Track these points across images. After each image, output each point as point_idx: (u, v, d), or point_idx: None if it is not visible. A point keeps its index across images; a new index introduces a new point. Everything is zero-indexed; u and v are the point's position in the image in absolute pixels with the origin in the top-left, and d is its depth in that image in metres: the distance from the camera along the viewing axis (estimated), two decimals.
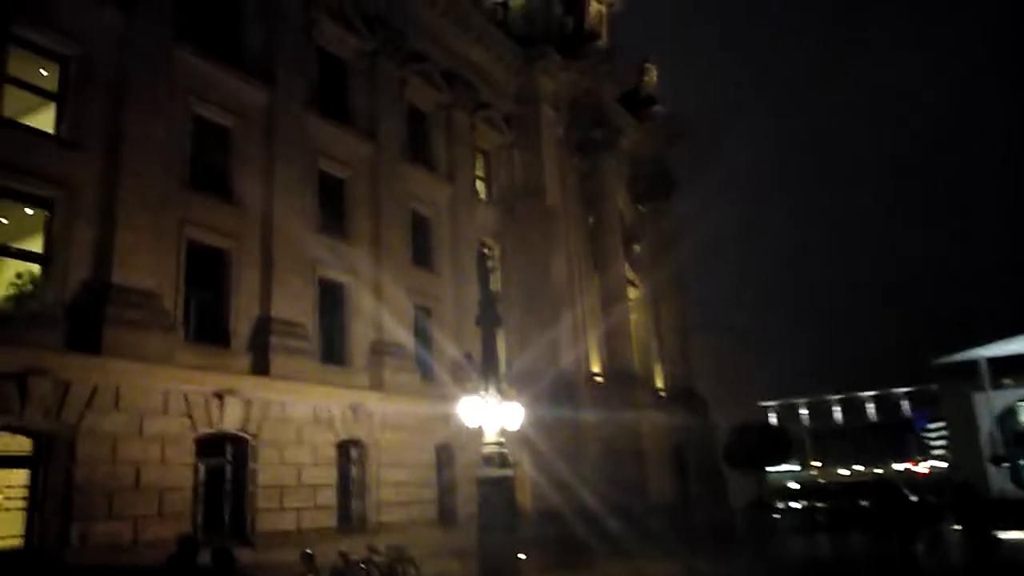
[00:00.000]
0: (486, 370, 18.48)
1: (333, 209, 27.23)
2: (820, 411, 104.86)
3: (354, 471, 24.90)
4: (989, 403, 77.57)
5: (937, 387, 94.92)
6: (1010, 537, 28.70)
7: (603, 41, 43.46)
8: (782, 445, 50.99)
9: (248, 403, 20.98)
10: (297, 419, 22.37)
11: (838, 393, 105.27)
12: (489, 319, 19.63)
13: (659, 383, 44.73)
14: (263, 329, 22.59)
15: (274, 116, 24.77)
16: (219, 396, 20.13)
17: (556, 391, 34.35)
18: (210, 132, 23.11)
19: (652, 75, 49.13)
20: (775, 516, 48.30)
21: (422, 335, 29.60)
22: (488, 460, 17.43)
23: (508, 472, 17.54)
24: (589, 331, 38.66)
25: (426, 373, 28.83)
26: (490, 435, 17.70)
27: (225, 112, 23.51)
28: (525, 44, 38.93)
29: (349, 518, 24.12)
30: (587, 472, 33.48)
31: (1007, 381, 79.45)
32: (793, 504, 61.46)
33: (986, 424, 77.64)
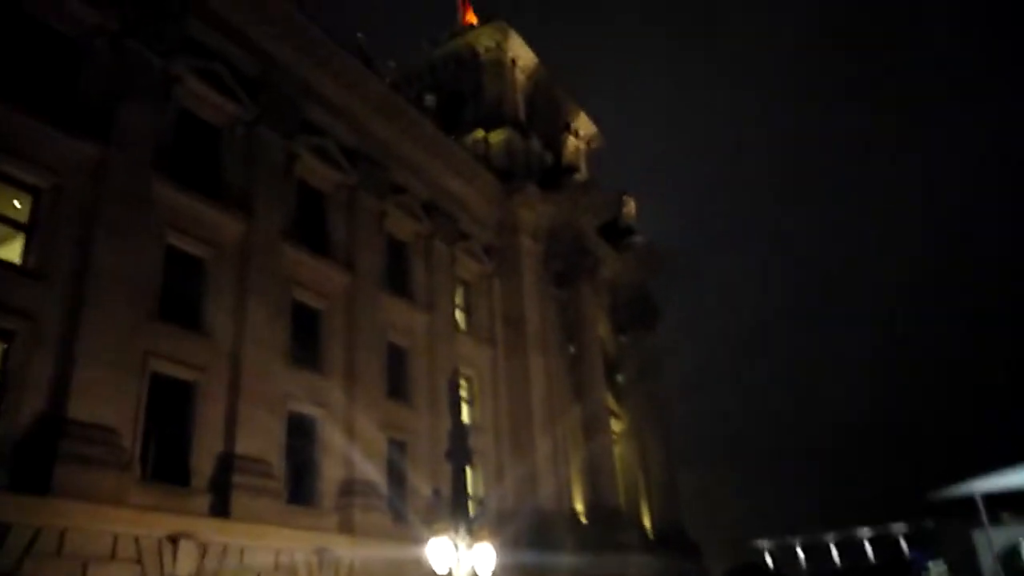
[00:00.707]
0: (456, 509, 17.77)
1: (307, 340, 26.92)
2: (817, 552, 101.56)
3: None
4: (989, 541, 75.56)
5: (934, 523, 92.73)
6: None
7: (581, 174, 44.83)
8: None
9: (204, 548, 19.87)
10: (257, 566, 21.17)
11: (834, 530, 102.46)
12: (459, 454, 19.06)
13: (646, 522, 43.27)
14: (226, 467, 21.75)
15: (250, 247, 24.86)
16: (173, 540, 19.09)
17: (535, 531, 33.07)
18: (182, 262, 23.10)
19: (631, 206, 50.38)
20: None
21: (395, 471, 28.65)
22: None
23: None
24: (570, 464, 37.73)
25: (398, 513, 27.68)
26: None
27: (199, 243, 23.59)
28: (506, 177, 40.00)
29: None
30: None
31: (1005, 515, 77.77)
32: None
33: (988, 564, 75.35)
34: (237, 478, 21.61)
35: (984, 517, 76.69)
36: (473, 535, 17.69)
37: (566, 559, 33.36)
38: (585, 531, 35.60)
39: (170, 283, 22.42)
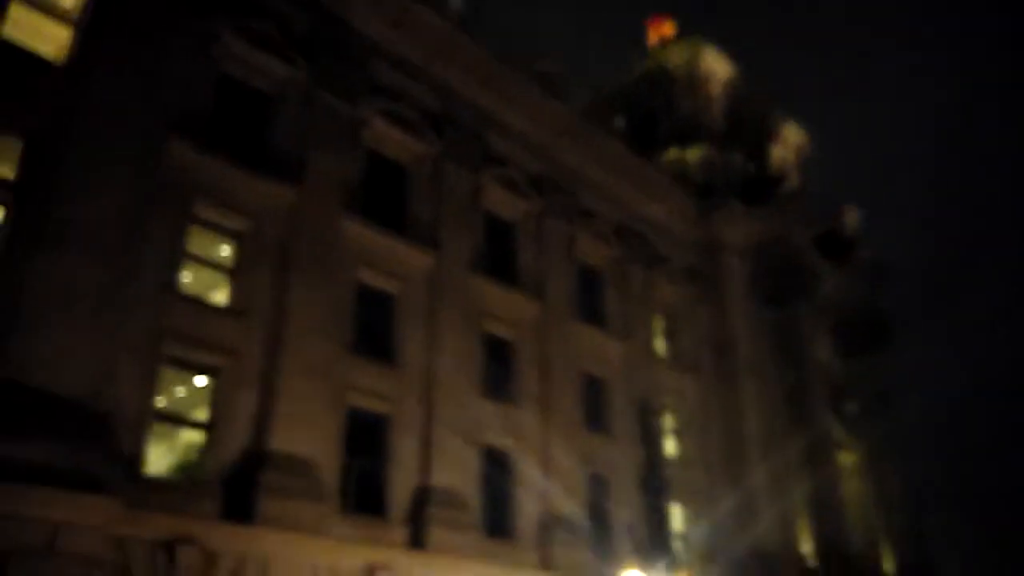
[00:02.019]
0: (652, 544, 16.91)
1: (499, 371, 27.15)
2: None
3: None
4: None
5: None
6: None
7: (789, 184, 42.22)
8: None
9: None
10: None
11: None
12: (654, 484, 18.16)
13: (886, 566, 39.15)
14: (422, 499, 22.20)
15: (438, 280, 25.55)
16: (371, 571, 19.61)
17: (753, 573, 30.81)
18: (373, 298, 24.14)
19: (853, 216, 46.71)
20: None
21: (596, 506, 27.91)
22: None
23: None
24: (794, 502, 34.96)
25: (602, 549, 26.88)
26: None
27: (389, 277, 24.58)
28: (705, 194, 38.53)
29: None
30: None
31: None
32: None
33: None
34: (432, 510, 21.97)
35: None
36: (672, 572, 16.77)
37: None
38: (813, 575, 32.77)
39: (363, 318, 23.49)
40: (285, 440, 19.56)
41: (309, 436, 20.11)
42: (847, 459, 40.59)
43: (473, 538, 22.75)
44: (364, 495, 21.58)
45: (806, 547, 34.39)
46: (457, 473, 23.41)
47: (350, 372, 22.26)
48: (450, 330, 25.10)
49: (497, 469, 25.45)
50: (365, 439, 22.29)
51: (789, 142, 47.92)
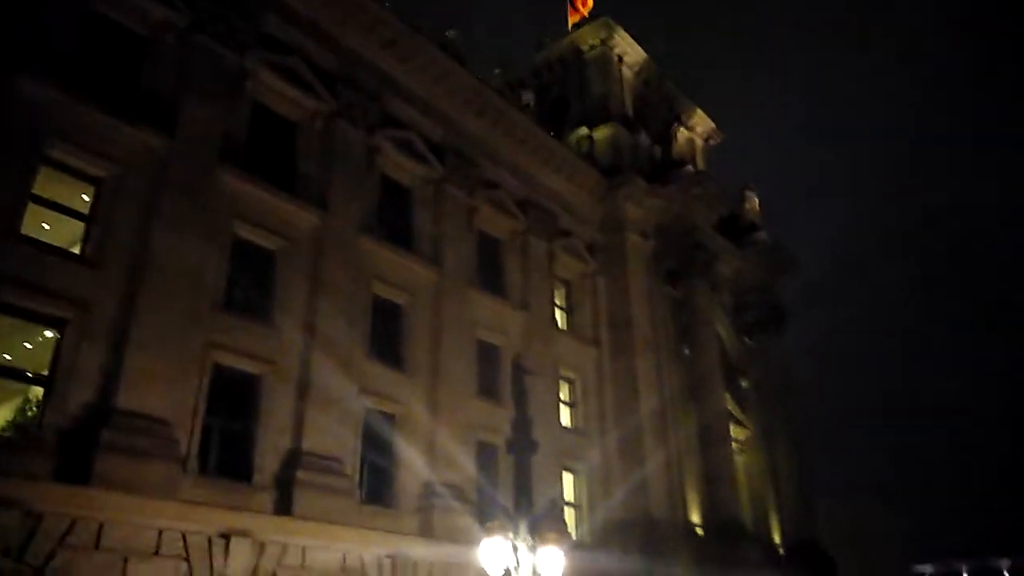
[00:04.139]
0: (518, 506, 15.46)
1: (388, 335, 25.28)
2: None
3: None
4: None
5: None
6: None
7: (694, 167, 41.22)
8: None
9: (261, 547, 18.30)
10: (321, 567, 19.41)
11: (1010, 556, 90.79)
12: (523, 445, 16.69)
13: (775, 537, 38.70)
14: (292, 463, 20.24)
15: (325, 240, 23.52)
16: (225, 537, 17.58)
17: (646, 541, 29.73)
18: (252, 255, 22.03)
19: (754, 202, 46.13)
20: None
21: (486, 473, 26.33)
22: None
23: None
24: (686, 473, 34.08)
25: (488, 516, 25.29)
26: None
27: (270, 235, 22.44)
28: (611, 173, 37.16)
29: None
30: None
31: None
32: None
33: None
34: (302, 475, 20.04)
35: None
36: (539, 537, 15.32)
37: (680, 572, 29.84)
38: (702, 544, 31.88)
39: (239, 275, 21.41)
40: (135, 398, 17.37)
41: (164, 395, 17.93)
42: (741, 434, 40.01)
43: (347, 504, 20.86)
44: (227, 458, 19.53)
45: (695, 517, 33.52)
46: (334, 437, 21.47)
47: (218, 331, 20.08)
48: (336, 292, 23.12)
49: (380, 435, 23.58)
50: (234, 400, 20.23)
51: (696, 128, 47.02)
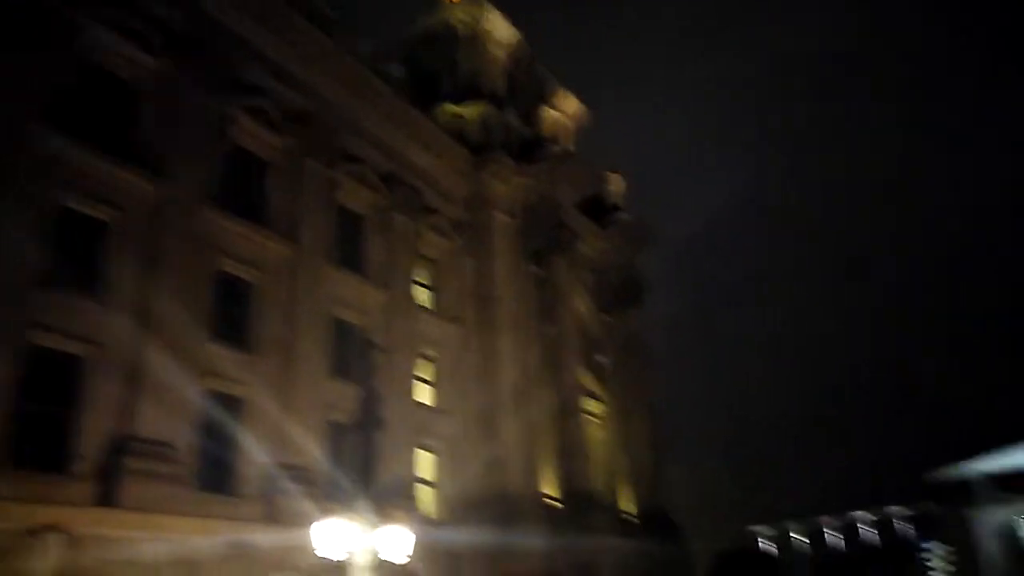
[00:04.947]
0: (361, 486, 14.72)
1: (236, 313, 23.62)
2: (817, 536, 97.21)
3: None
4: (988, 521, 71.46)
5: (934, 505, 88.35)
6: None
7: (561, 148, 41.05)
8: (770, 572, 45.38)
9: (78, 543, 16.61)
10: (148, 561, 17.86)
11: (835, 515, 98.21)
12: (368, 422, 15.92)
13: (628, 506, 39.67)
14: (119, 450, 18.50)
15: (164, 212, 21.56)
16: (32, 533, 15.80)
17: (503, 516, 29.61)
18: (80, 227, 19.86)
19: (617, 184, 46.57)
20: None
21: (342, 456, 25.23)
22: None
23: None
24: (542, 448, 34.20)
25: (343, 502, 24.26)
26: (360, 569, 13.90)
27: (100, 204, 20.32)
28: (479, 151, 36.36)
29: None
30: None
31: (1004, 496, 73.49)
32: None
33: (987, 543, 71.18)
34: (130, 462, 18.38)
35: (984, 499, 72.59)
36: (385, 516, 14.62)
37: (536, 542, 29.92)
38: (557, 515, 32.11)
39: (63, 246, 19.23)
40: None
41: None
42: (598, 408, 40.58)
43: (181, 492, 19.38)
44: (42, 447, 17.60)
45: (551, 489, 33.73)
46: (169, 421, 19.82)
47: (37, 310, 18.00)
48: (175, 267, 21.31)
49: (224, 418, 22.01)
50: (53, 384, 18.23)
51: (565, 110, 46.87)
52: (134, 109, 22.16)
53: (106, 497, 17.78)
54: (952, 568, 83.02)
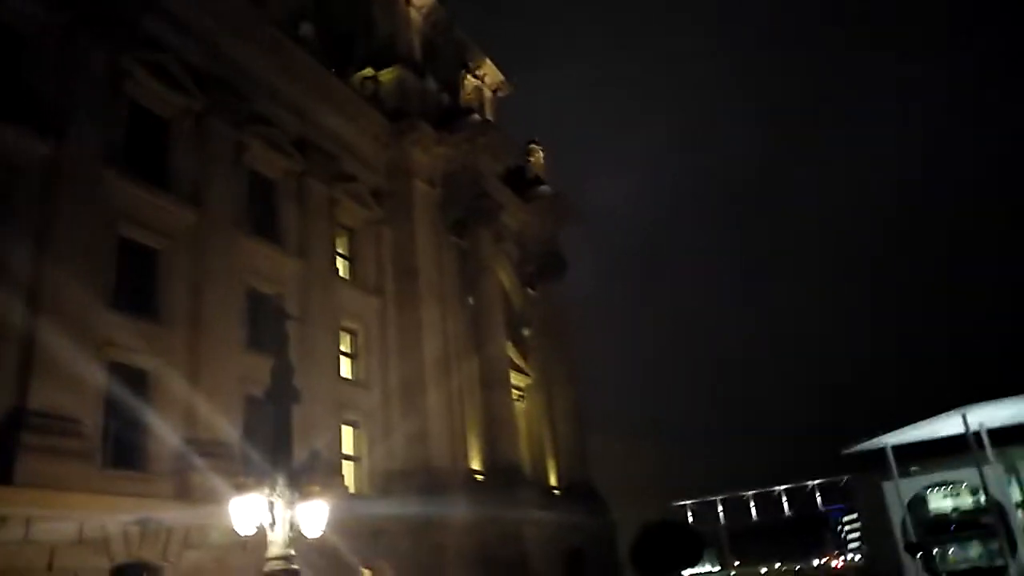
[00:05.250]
0: (276, 459, 14.37)
1: (139, 282, 22.73)
2: (737, 508, 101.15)
3: None
4: (899, 492, 75.51)
5: (847, 477, 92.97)
6: None
7: (483, 117, 40.97)
8: (694, 544, 46.73)
9: None
10: (49, 540, 17.10)
11: (753, 489, 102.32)
12: (282, 394, 15.57)
13: (552, 480, 40.29)
14: (13, 424, 17.59)
15: (58, 173, 20.44)
16: None
17: (426, 489, 29.64)
18: None
19: (539, 156, 46.85)
20: None
21: (258, 430, 24.66)
22: None
23: None
24: (467, 421, 34.34)
25: (259, 477, 23.72)
26: (275, 545, 13.55)
27: None
28: (397, 117, 35.90)
29: None
30: None
31: (915, 468, 77.92)
32: None
33: (898, 513, 75.31)
34: (27, 437, 17.49)
35: (894, 470, 76.59)
36: (301, 491, 14.30)
37: (460, 514, 30.08)
38: (481, 488, 32.32)
39: None
40: None
41: None
42: (522, 381, 40.96)
43: (85, 469, 18.58)
44: None
45: (475, 463, 33.93)
46: (69, 394, 18.90)
47: None
48: (70, 232, 20.22)
49: (128, 392, 21.15)
50: None
51: (485, 78, 46.77)
52: (21, 60, 20.91)
53: (1, 474, 16.86)
54: (863, 535, 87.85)
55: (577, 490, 39.91)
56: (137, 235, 22.83)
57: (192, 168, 25.20)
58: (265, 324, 26.74)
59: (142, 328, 22.05)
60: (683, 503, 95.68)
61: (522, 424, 38.96)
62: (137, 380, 21.55)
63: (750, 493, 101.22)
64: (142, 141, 23.96)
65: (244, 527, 13.59)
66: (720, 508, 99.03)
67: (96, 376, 20.02)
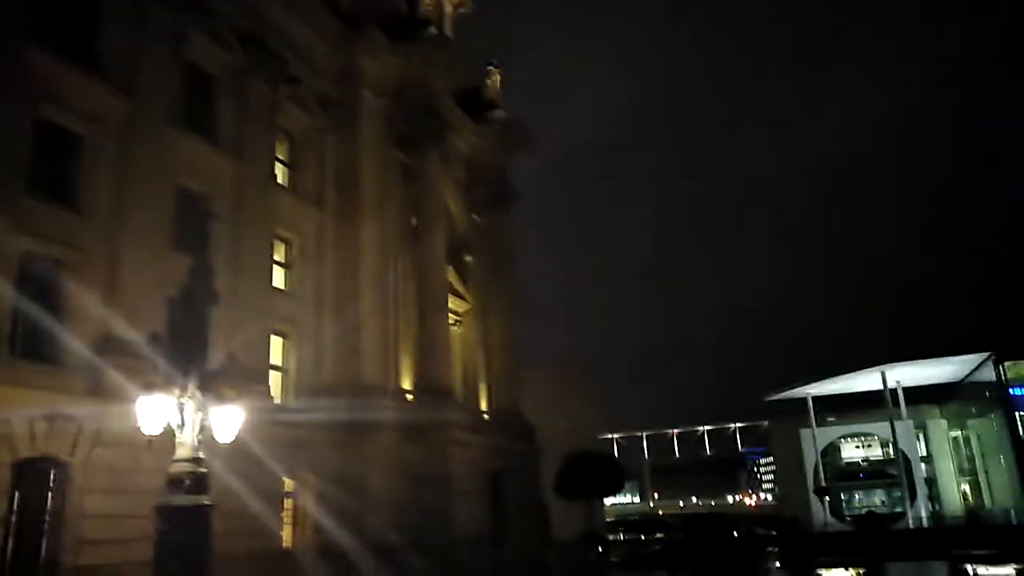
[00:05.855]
0: (187, 360, 13.85)
1: (61, 170, 21.52)
2: (660, 445, 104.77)
3: (51, 500, 19.04)
4: (815, 439, 79.03)
5: (768, 423, 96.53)
6: None
7: (439, 31, 39.54)
8: (614, 474, 48.08)
9: None
10: None
11: (678, 428, 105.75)
12: (201, 294, 14.94)
13: (483, 405, 40.63)
14: None
15: None
16: None
17: (355, 405, 29.47)
18: None
19: (495, 78, 45.57)
20: (600, 550, 44.96)
21: (176, 332, 23.90)
22: (175, 483, 12.73)
23: (203, 499, 12.85)
24: (402, 342, 34.13)
25: (175, 379, 23.16)
26: (184, 448, 13.10)
27: None
28: (351, 23, 34.33)
29: (31, 561, 18.21)
30: (382, 498, 28.73)
31: (831, 418, 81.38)
32: (625, 537, 58.79)
33: (811, 458, 78.97)
34: None
35: (812, 418, 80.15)
36: (215, 393, 13.84)
37: (387, 430, 30.13)
38: (409, 406, 32.37)
39: None
40: None
41: None
42: (461, 307, 40.81)
43: None
44: None
45: (407, 383, 33.88)
46: None
47: None
48: None
49: (41, 283, 20.25)
50: None
51: None
52: None
53: None
54: (778, 477, 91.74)
55: (505, 416, 40.37)
56: (59, 118, 21.50)
57: (125, 53, 23.70)
58: (195, 225, 25.73)
59: (60, 216, 21.04)
60: (610, 436, 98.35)
61: (456, 349, 38.94)
62: (52, 270, 20.60)
63: (674, 432, 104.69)
64: (70, 19, 22.36)
65: (150, 427, 13.16)
66: (644, 443, 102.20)
67: (8, 261, 19.03)
